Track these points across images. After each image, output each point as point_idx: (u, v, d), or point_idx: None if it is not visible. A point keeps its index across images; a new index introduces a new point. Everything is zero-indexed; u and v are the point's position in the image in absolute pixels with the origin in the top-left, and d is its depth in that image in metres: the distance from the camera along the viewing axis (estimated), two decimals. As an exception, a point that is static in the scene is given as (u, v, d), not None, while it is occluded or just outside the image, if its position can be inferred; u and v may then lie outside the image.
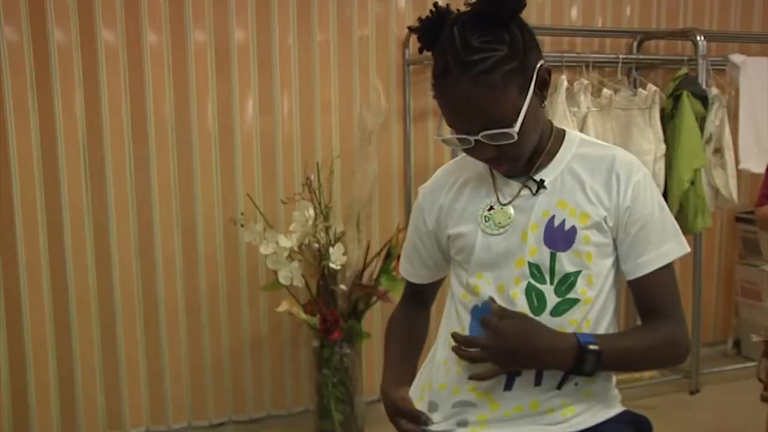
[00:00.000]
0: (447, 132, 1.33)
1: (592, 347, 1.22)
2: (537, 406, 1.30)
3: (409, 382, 1.46)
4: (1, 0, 2.77)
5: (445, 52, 1.22)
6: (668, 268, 1.31)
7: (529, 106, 1.22)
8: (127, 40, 2.93)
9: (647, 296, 1.32)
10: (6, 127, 2.83)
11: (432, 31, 1.26)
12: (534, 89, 1.24)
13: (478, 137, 1.23)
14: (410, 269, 1.54)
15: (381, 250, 3.08)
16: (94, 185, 2.96)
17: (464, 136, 1.25)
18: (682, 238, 1.33)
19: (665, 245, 1.30)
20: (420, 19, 1.27)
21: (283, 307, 2.93)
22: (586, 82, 3.32)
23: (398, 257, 2.98)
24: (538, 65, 1.25)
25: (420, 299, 1.59)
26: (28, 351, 2.93)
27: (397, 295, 2.90)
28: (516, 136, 1.22)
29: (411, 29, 1.31)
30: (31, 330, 2.93)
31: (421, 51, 1.31)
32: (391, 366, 1.50)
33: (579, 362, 1.23)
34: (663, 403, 3.45)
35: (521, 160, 1.31)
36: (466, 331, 1.36)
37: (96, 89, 2.92)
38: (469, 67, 1.18)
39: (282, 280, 2.86)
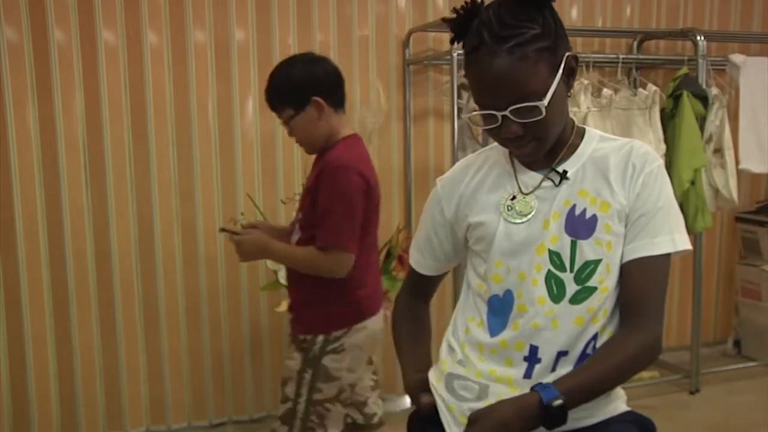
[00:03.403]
0: (473, 117, 1.33)
1: (555, 403, 1.21)
2: None
3: (428, 369, 1.48)
4: (1, 0, 2.77)
5: (480, 30, 1.24)
6: (658, 260, 1.30)
7: (556, 88, 1.25)
8: (127, 40, 2.94)
9: (629, 284, 1.30)
10: (6, 127, 2.83)
11: (465, 20, 1.28)
12: (562, 75, 1.26)
13: (506, 113, 1.25)
14: (420, 260, 1.55)
15: (381, 250, 3.08)
16: (94, 185, 2.96)
17: (492, 112, 1.26)
18: (680, 236, 1.31)
19: (659, 237, 1.29)
20: (455, 9, 1.30)
21: (283, 307, 2.93)
22: (586, 82, 3.32)
23: (398, 257, 2.99)
24: (567, 53, 1.28)
25: (423, 290, 1.60)
26: (28, 350, 2.93)
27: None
28: (544, 111, 1.23)
29: (444, 20, 1.32)
30: (31, 330, 2.93)
31: (452, 42, 1.33)
32: (409, 356, 1.52)
33: (547, 418, 1.22)
34: (663, 403, 3.45)
35: (545, 143, 1.31)
36: (483, 323, 1.37)
37: (96, 89, 2.92)
38: (504, 41, 1.21)
39: (282, 280, 2.85)
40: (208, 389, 3.20)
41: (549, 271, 1.31)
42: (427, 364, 1.49)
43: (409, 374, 1.48)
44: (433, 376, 1.44)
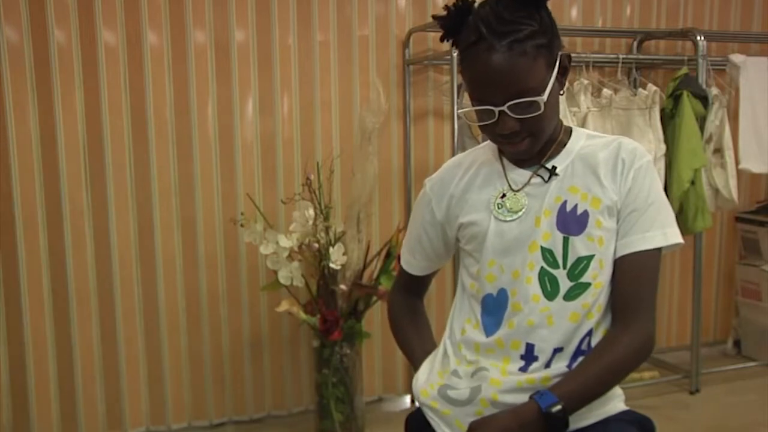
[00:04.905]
0: (467, 112, 1.34)
1: (554, 409, 1.22)
2: (548, 381, 1.31)
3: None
4: (1, 0, 2.77)
5: (478, 25, 1.25)
6: (649, 255, 1.31)
7: (552, 85, 1.26)
8: (127, 40, 2.94)
9: (621, 279, 1.31)
10: (6, 127, 2.83)
11: (457, 18, 1.29)
12: (556, 75, 1.28)
13: (504, 108, 1.25)
14: (412, 261, 1.56)
15: (381, 250, 3.08)
16: (94, 185, 2.96)
17: (489, 107, 1.26)
18: (671, 230, 1.32)
19: (650, 231, 1.31)
20: (446, 7, 1.30)
21: (283, 307, 2.94)
22: (586, 82, 3.32)
23: (398, 257, 2.99)
24: (561, 52, 1.30)
25: (416, 289, 1.61)
26: (28, 351, 2.93)
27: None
28: (543, 107, 1.25)
29: (435, 17, 1.33)
30: (30, 330, 2.93)
31: (442, 39, 1.34)
32: (416, 343, 1.55)
33: (547, 424, 1.23)
34: (663, 403, 3.45)
35: (540, 139, 1.32)
36: (479, 324, 1.37)
37: (96, 89, 2.92)
38: (504, 36, 1.22)
39: (282, 280, 2.86)
40: (208, 389, 3.20)
41: (542, 268, 1.32)
42: (434, 347, 1.50)
43: (418, 361, 1.49)
44: (425, 382, 1.44)
